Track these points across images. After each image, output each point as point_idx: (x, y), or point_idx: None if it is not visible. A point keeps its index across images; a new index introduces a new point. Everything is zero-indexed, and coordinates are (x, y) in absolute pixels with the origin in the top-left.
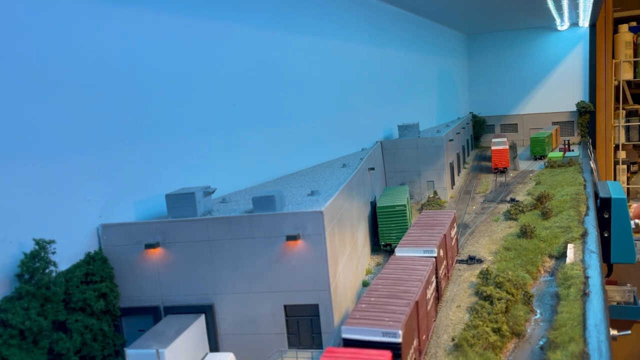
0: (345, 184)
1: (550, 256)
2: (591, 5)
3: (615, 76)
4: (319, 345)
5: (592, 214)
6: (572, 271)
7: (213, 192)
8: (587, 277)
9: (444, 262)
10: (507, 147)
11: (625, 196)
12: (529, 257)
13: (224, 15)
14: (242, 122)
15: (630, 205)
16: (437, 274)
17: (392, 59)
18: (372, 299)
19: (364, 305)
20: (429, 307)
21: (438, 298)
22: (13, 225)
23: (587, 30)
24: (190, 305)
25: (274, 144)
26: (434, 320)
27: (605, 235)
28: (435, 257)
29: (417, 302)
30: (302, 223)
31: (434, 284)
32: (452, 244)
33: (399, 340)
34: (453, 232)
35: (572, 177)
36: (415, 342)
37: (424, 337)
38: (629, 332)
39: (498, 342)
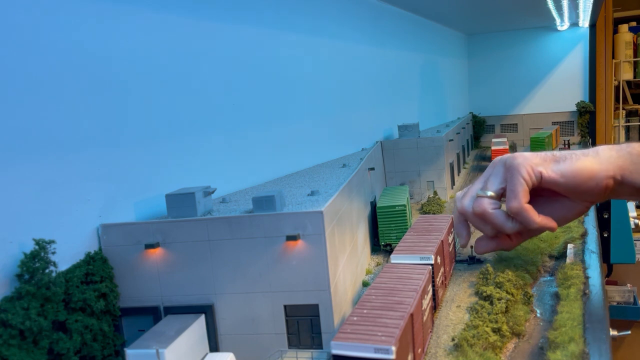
0: (345, 184)
1: (550, 256)
2: (591, 5)
3: (615, 76)
4: (319, 346)
5: (592, 214)
6: (572, 271)
7: (213, 192)
8: (587, 277)
9: (441, 269)
10: (507, 147)
11: None
12: (529, 257)
13: (224, 15)
14: (242, 122)
15: None
16: (433, 282)
17: (392, 58)
18: (365, 311)
19: (355, 318)
20: (424, 318)
21: (435, 307)
22: (13, 225)
23: (587, 30)
24: (190, 305)
25: (274, 143)
26: (430, 332)
27: (605, 235)
28: (432, 265)
29: (412, 315)
30: (302, 223)
31: (430, 293)
32: (450, 249)
33: (392, 357)
34: (450, 238)
35: None
36: (410, 357)
37: (419, 350)
38: (629, 332)
39: (498, 342)
